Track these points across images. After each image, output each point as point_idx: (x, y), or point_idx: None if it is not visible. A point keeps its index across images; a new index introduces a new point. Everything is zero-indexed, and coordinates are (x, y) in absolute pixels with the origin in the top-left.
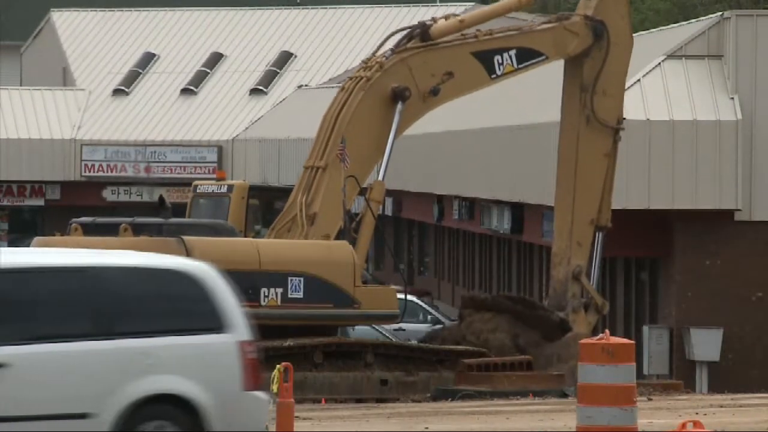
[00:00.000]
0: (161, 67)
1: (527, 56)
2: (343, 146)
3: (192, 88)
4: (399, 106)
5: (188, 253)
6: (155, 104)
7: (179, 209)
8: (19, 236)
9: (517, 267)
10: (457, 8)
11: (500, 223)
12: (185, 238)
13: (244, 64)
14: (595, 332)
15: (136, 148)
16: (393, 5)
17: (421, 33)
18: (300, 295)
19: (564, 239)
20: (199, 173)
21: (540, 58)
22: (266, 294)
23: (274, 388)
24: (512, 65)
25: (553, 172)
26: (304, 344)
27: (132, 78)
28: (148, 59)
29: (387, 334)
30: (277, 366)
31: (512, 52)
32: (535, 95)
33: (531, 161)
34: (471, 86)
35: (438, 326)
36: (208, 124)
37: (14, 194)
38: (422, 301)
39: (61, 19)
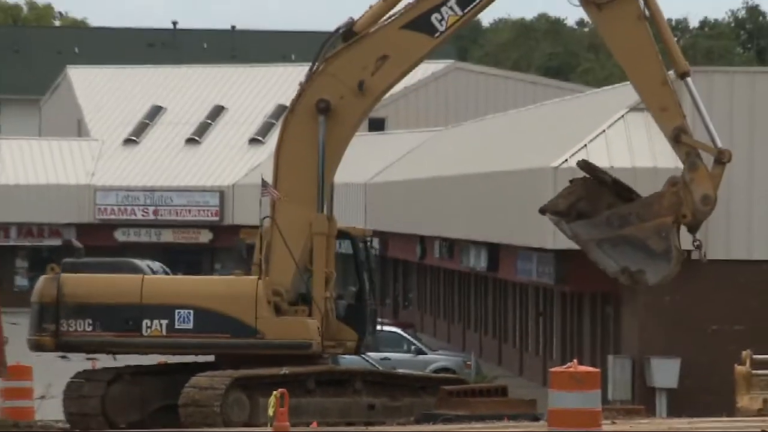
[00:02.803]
0: (168, 118)
1: None
2: (265, 188)
3: (196, 138)
4: (321, 120)
5: (58, 287)
6: (162, 153)
7: (192, 248)
8: (38, 274)
9: (493, 301)
10: (435, 65)
11: (477, 261)
12: (63, 275)
13: (244, 116)
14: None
15: (145, 192)
16: None
17: (344, 34)
18: (189, 326)
19: (655, 115)
20: (202, 216)
21: None
22: (149, 325)
23: (271, 412)
24: (456, 14)
25: (526, 216)
26: (298, 372)
27: (141, 129)
28: (155, 112)
29: (374, 363)
30: (274, 392)
31: (452, 2)
32: (512, 144)
33: (506, 205)
34: (411, 56)
35: (420, 356)
36: (211, 171)
37: (34, 235)
38: (406, 333)
39: (77, 75)
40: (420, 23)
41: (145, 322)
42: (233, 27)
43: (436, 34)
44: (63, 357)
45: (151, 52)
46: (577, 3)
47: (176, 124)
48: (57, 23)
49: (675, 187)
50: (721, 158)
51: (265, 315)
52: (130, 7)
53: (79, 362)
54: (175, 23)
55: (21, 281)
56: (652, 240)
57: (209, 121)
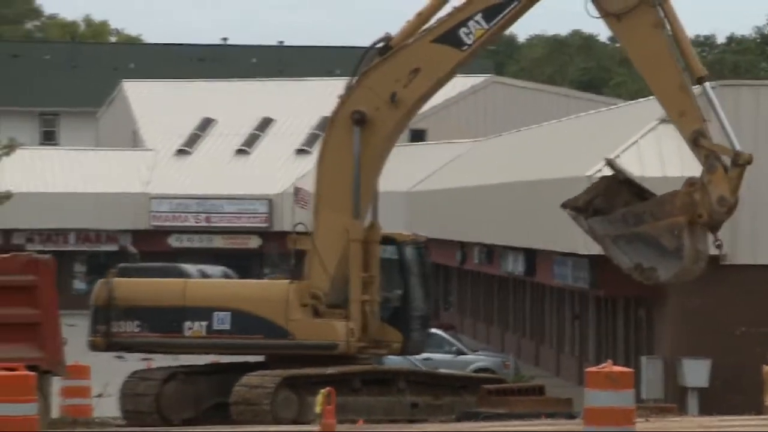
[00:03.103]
0: (219, 130)
1: (496, 12)
2: (296, 195)
3: (245, 148)
4: (356, 130)
5: (110, 290)
6: (213, 162)
7: (241, 254)
8: (95, 278)
9: (531, 305)
10: (474, 80)
11: (515, 266)
12: (115, 279)
13: (291, 127)
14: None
15: (197, 200)
16: None
17: (380, 48)
18: (227, 327)
19: (674, 120)
20: (252, 223)
21: (512, 6)
22: (190, 326)
23: (318, 410)
24: (482, 27)
25: (562, 223)
26: (344, 372)
27: (193, 140)
28: (207, 123)
29: (417, 363)
30: (321, 391)
31: (478, 17)
32: (547, 155)
33: (542, 212)
34: (441, 69)
35: (461, 356)
36: (260, 180)
37: (92, 241)
38: (447, 334)
39: (132, 89)
40: (449, 37)
41: (187, 323)
42: (281, 43)
43: (464, 48)
44: (119, 357)
45: (202, 66)
46: (597, 15)
47: (226, 135)
48: (113, 39)
49: (692, 188)
50: (737, 160)
51: (295, 317)
52: (182, 24)
53: (134, 362)
54: (225, 39)
55: (79, 285)
56: (665, 238)
57: (258, 133)
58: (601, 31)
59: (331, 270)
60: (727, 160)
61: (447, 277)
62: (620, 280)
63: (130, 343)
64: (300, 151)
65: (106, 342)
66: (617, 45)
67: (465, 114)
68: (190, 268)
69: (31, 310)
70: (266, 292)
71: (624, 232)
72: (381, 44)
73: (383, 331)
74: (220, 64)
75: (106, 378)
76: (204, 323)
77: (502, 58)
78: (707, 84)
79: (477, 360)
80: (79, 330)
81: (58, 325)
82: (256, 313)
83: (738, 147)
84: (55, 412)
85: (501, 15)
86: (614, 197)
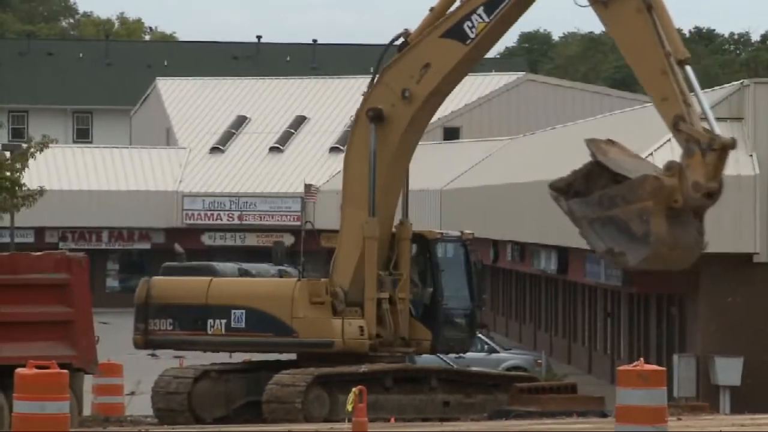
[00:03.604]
0: (252, 128)
1: (496, 4)
2: (307, 193)
3: (279, 146)
4: (372, 127)
5: (147, 289)
6: (247, 160)
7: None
8: (128, 276)
9: (563, 303)
10: (508, 77)
11: (548, 264)
12: (153, 278)
13: (325, 125)
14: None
15: (231, 198)
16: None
17: (400, 45)
18: (242, 325)
19: (657, 105)
20: (285, 221)
21: None
22: (212, 324)
23: (350, 408)
24: (483, 20)
25: None
26: (375, 370)
27: (227, 138)
28: (240, 121)
29: (449, 362)
30: (353, 389)
31: (480, 10)
32: (580, 153)
33: None
34: (447, 64)
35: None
36: (293, 178)
37: (124, 239)
38: (480, 332)
39: (165, 87)
40: (455, 31)
41: (210, 321)
42: (314, 41)
43: (468, 41)
44: (152, 355)
45: (236, 64)
46: (585, 3)
47: (260, 133)
48: (147, 37)
49: (668, 172)
50: (712, 144)
51: (300, 315)
52: (217, 23)
53: (167, 360)
54: (259, 37)
55: (112, 283)
56: (634, 223)
57: (291, 131)
58: None
59: (352, 267)
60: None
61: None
62: (653, 277)
63: (164, 340)
64: (333, 149)
65: (144, 339)
66: None
67: (499, 112)
68: (221, 266)
69: (64, 308)
70: (275, 290)
71: (599, 215)
72: (400, 40)
73: (414, 329)
74: (254, 62)
75: (138, 376)
76: (224, 321)
77: (537, 56)
78: (688, 67)
79: (509, 358)
80: (111, 328)
81: (90, 323)
82: (266, 311)
83: (717, 131)
84: (87, 410)
85: (500, 7)
86: (595, 180)
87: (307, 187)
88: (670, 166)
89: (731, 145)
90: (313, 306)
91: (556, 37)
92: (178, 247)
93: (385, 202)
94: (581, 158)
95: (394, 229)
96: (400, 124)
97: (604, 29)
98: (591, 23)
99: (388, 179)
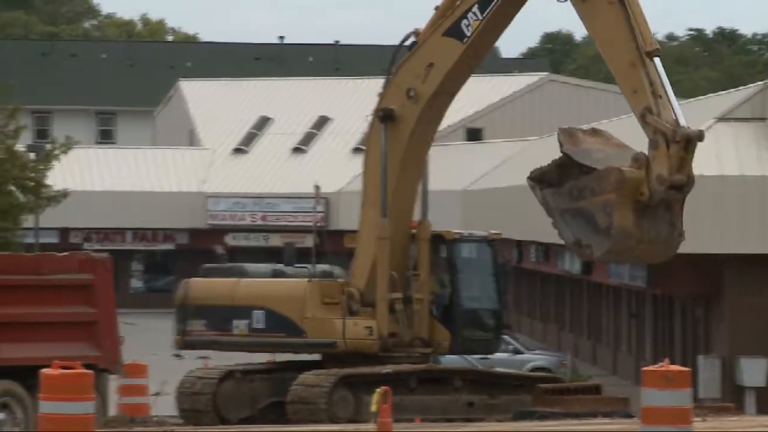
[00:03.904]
0: (275, 128)
1: (488, 2)
2: (315, 193)
3: (302, 147)
4: (381, 128)
5: (186, 290)
6: (270, 161)
7: (298, 252)
8: (153, 277)
9: (587, 304)
10: (530, 78)
11: (572, 265)
12: (190, 279)
13: (348, 125)
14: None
15: (254, 199)
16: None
17: (410, 45)
18: (262, 326)
19: (627, 97)
20: (308, 221)
21: None
22: (236, 325)
23: (374, 408)
24: (477, 18)
25: None
26: (400, 371)
27: (250, 138)
28: (263, 122)
29: (473, 362)
30: (377, 390)
31: (475, 8)
32: None
33: None
34: (448, 63)
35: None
36: (316, 179)
37: (148, 240)
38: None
39: (188, 88)
40: (453, 30)
41: (235, 322)
42: (337, 41)
43: (465, 39)
44: (176, 356)
45: (258, 65)
46: None
47: (283, 134)
48: (169, 38)
49: (635, 164)
50: (674, 137)
51: (309, 315)
52: (239, 23)
53: (192, 360)
54: (281, 38)
55: (136, 284)
56: (599, 215)
57: (314, 131)
58: (659, 29)
59: (368, 268)
60: None
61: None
62: (677, 278)
63: (197, 341)
64: (356, 150)
65: (182, 341)
66: (674, 43)
67: (521, 112)
68: (253, 267)
69: (88, 308)
70: (289, 291)
71: (570, 206)
72: (410, 40)
73: (433, 330)
74: (277, 62)
75: (163, 376)
76: (246, 321)
77: (559, 56)
78: (657, 59)
79: (534, 359)
80: (136, 329)
81: (115, 323)
82: (280, 312)
83: (682, 123)
84: (112, 411)
85: (492, 4)
86: (567, 171)
87: (316, 188)
88: (637, 158)
89: (696, 137)
90: (325, 307)
91: (578, 37)
92: (219, 248)
93: (398, 202)
94: None
95: (414, 230)
96: (409, 123)
97: (582, 25)
98: None
99: (400, 179)
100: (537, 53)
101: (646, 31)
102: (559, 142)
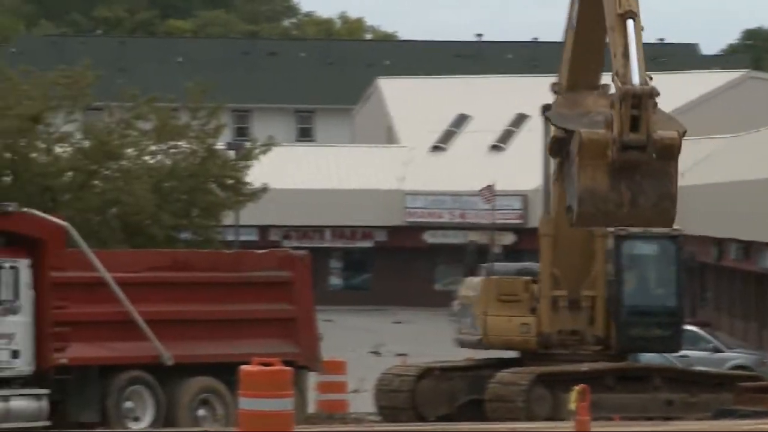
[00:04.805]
0: (473, 126)
1: None
2: (482, 192)
3: (500, 144)
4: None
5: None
6: (468, 159)
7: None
8: (351, 274)
9: None
10: (730, 75)
11: None
12: (466, 278)
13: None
14: None
15: (452, 197)
16: (681, 72)
17: None
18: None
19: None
20: (506, 219)
21: None
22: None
23: (572, 407)
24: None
25: None
26: (598, 369)
27: (448, 136)
28: (461, 120)
29: (673, 360)
30: (575, 388)
31: None
32: None
33: None
34: (568, 51)
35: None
36: (514, 176)
37: (347, 237)
38: (703, 331)
39: (387, 86)
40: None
41: (464, 321)
42: (535, 39)
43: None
44: (375, 353)
45: (457, 63)
46: None
47: (481, 131)
48: (368, 37)
49: (604, 125)
50: (622, 96)
51: (479, 312)
52: (437, 22)
53: (390, 357)
54: (479, 36)
55: (335, 281)
56: (573, 179)
57: (512, 129)
58: None
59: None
60: None
61: (702, 273)
62: None
63: (466, 341)
64: None
65: (460, 340)
66: None
67: (721, 109)
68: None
69: (287, 305)
70: (476, 288)
71: (568, 172)
72: None
73: (608, 327)
74: (475, 60)
75: (361, 373)
76: (468, 320)
77: (760, 53)
78: (630, 21)
79: (734, 357)
80: (334, 326)
81: (314, 321)
82: (472, 309)
83: (635, 81)
84: (311, 408)
85: None
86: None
87: (488, 188)
88: (605, 119)
89: (647, 93)
90: (500, 304)
91: None
92: (471, 245)
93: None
94: None
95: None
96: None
97: None
98: None
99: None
100: (737, 50)
101: None
102: (543, 107)
